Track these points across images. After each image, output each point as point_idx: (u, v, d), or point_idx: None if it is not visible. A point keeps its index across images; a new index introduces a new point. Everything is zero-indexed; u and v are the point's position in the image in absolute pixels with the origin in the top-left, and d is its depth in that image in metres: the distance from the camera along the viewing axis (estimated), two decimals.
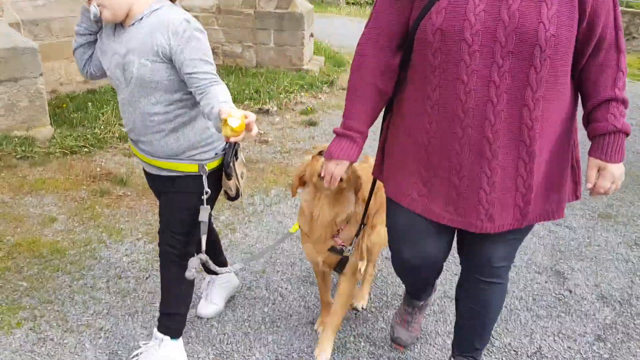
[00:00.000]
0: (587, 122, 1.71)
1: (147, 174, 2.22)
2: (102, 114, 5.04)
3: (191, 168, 2.02)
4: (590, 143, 1.71)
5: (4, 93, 4.33)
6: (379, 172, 1.99)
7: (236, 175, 2.12)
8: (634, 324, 2.66)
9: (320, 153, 2.02)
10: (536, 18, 1.48)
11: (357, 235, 2.17)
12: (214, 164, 2.08)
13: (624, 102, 1.63)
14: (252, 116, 1.70)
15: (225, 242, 3.20)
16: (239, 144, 2.09)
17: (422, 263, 1.93)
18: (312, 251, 2.24)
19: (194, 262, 1.93)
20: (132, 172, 4.08)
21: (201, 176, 2.03)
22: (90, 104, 5.24)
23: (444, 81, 1.61)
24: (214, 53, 7.49)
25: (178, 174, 2.05)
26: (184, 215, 2.08)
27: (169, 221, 2.12)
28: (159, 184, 2.14)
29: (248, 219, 3.53)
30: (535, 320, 2.65)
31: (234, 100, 5.48)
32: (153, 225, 3.33)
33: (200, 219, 2.03)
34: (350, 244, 2.15)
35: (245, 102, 6.01)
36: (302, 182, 2.16)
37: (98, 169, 4.12)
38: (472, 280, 1.97)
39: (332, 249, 2.17)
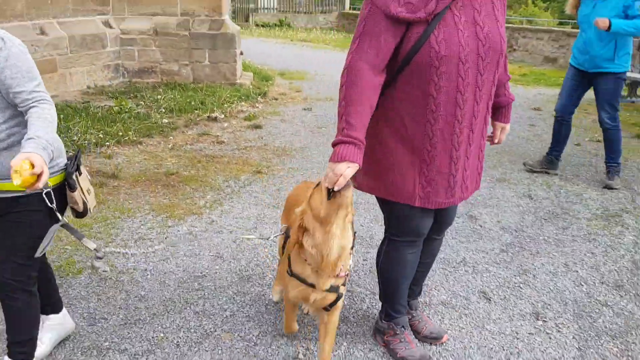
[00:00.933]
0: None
1: None
2: (74, 125, 5.62)
3: None
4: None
5: None
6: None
7: (81, 189, 2.12)
8: (524, 242, 3.77)
9: (317, 185, 2.06)
10: (498, 35, 2.04)
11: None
12: (57, 179, 2.06)
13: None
14: (42, 170, 1.72)
15: (217, 212, 4.01)
16: (80, 158, 2.17)
17: (419, 244, 2.39)
18: (305, 292, 2.17)
19: (96, 250, 2.11)
20: (120, 168, 4.75)
21: (47, 193, 1.98)
22: (64, 115, 5.81)
23: (445, 95, 2.01)
24: (153, 72, 8.32)
25: (20, 194, 1.95)
26: (29, 236, 2.02)
27: (12, 249, 2.03)
28: (3, 205, 2.02)
29: (229, 196, 4.35)
30: (459, 244, 3.69)
31: (184, 111, 6.25)
32: (153, 203, 4.07)
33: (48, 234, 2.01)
34: (346, 276, 2.20)
35: (196, 111, 6.77)
36: (303, 232, 2.08)
37: (87, 168, 4.74)
38: (430, 240, 2.47)
39: (331, 288, 2.15)
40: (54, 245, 3.34)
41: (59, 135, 5.10)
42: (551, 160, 5.21)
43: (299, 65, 11.87)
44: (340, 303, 2.23)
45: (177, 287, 3.01)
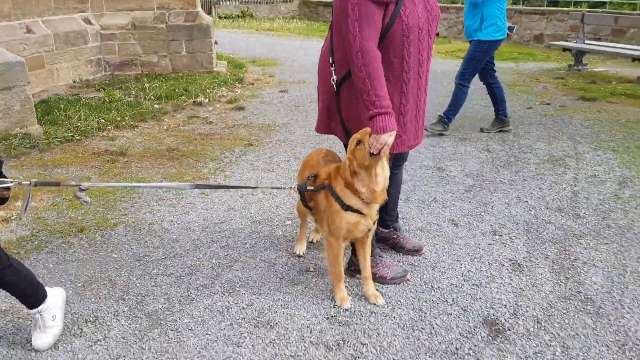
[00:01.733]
0: None
1: None
2: (74, 113, 6.12)
3: None
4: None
5: (1, 99, 5.32)
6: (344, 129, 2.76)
7: None
8: (484, 183, 4.48)
9: (357, 143, 2.48)
10: (437, 6, 2.66)
11: None
12: None
13: None
14: None
15: (221, 177, 4.61)
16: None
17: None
18: (357, 221, 2.63)
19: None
20: (127, 147, 5.30)
21: None
22: (62, 106, 6.29)
23: (413, 56, 2.57)
24: (133, 64, 8.80)
25: None
26: None
27: None
28: None
29: (228, 165, 4.94)
30: (430, 188, 4.38)
31: (171, 98, 6.77)
32: (164, 173, 4.64)
33: None
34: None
35: (182, 97, 7.32)
36: (353, 174, 2.55)
37: (96, 149, 5.28)
38: (392, 175, 3.05)
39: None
40: (88, 208, 3.90)
41: (67, 120, 5.55)
42: (502, 120, 5.95)
43: (268, 53, 12.42)
44: (375, 225, 2.77)
45: (202, 231, 3.61)
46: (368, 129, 2.48)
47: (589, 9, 16.52)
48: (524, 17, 14.95)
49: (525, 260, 3.24)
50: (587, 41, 10.67)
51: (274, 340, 2.50)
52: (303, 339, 2.50)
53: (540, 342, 2.49)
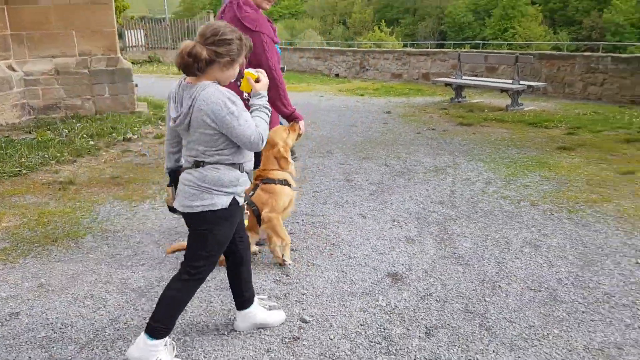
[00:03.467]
0: None
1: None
2: (14, 152, 6.63)
3: None
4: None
5: None
6: None
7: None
8: (384, 188, 5.57)
9: (290, 132, 3.66)
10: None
11: None
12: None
13: None
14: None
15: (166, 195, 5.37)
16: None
17: None
18: (291, 195, 3.73)
19: None
20: (74, 178, 5.91)
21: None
22: (3, 145, 6.77)
23: None
24: (57, 107, 9.40)
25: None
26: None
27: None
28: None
29: None
30: (342, 193, 5.40)
31: (101, 136, 7.48)
32: (114, 195, 5.34)
33: None
34: None
35: (112, 134, 7.96)
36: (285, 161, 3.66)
37: (44, 180, 5.85)
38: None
39: None
40: (55, 224, 4.54)
41: (6, 160, 6.07)
42: None
43: None
44: None
45: (160, 234, 4.39)
46: (282, 127, 3.71)
47: (466, 50, 18.71)
48: (412, 59, 16.82)
49: (416, 236, 4.31)
50: (464, 77, 12.46)
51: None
52: (258, 294, 3.37)
53: (427, 283, 3.53)
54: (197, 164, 2.49)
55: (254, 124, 2.44)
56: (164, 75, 18.23)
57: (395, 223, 4.60)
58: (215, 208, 2.49)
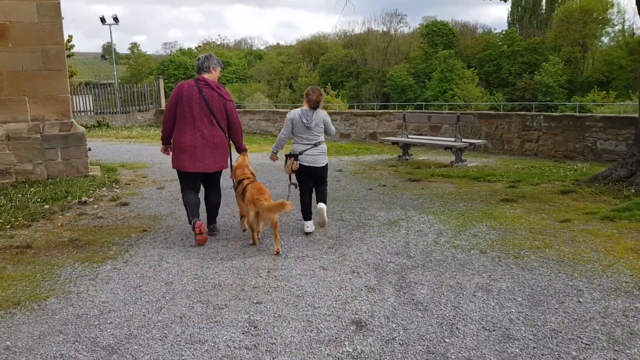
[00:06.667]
0: None
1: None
2: None
3: None
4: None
5: None
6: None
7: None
8: (342, 242, 5.79)
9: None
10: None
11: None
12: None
13: None
14: None
15: (127, 255, 5.41)
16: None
17: None
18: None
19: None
20: (31, 242, 5.86)
21: None
22: None
23: None
24: (7, 173, 9.28)
25: None
26: None
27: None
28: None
29: (131, 247, 5.74)
30: (302, 247, 5.58)
31: (56, 200, 7.47)
32: (74, 257, 5.33)
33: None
34: None
35: (66, 198, 7.92)
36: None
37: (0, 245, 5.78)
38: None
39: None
40: (15, 288, 4.50)
41: None
42: None
43: (134, 158, 13.25)
44: None
45: (125, 293, 4.42)
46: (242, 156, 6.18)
47: (410, 111, 19.59)
48: (359, 119, 17.49)
49: (376, 285, 4.52)
50: (410, 136, 13.08)
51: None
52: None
53: (389, 328, 3.72)
54: (317, 144, 6.10)
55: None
56: (113, 139, 18.21)
57: (355, 274, 4.80)
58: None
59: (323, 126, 6.08)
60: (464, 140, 11.48)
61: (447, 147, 11.49)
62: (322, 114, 6.09)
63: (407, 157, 12.43)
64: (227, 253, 5.48)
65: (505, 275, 4.70)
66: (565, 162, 11.53)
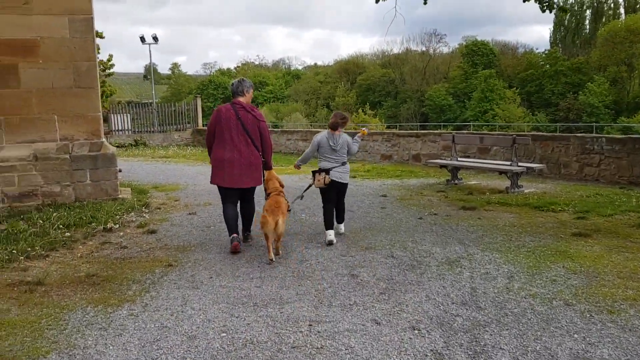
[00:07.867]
0: None
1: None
2: None
3: None
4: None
5: None
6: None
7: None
8: (396, 286, 4.95)
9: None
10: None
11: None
12: None
13: None
14: None
15: (148, 297, 4.70)
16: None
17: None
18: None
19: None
20: (43, 277, 5.22)
21: None
22: None
23: None
24: (34, 195, 8.76)
25: None
26: None
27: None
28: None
29: (152, 286, 5.03)
30: (349, 292, 4.77)
31: (79, 226, 6.75)
32: (87, 298, 4.65)
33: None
34: None
35: (91, 224, 7.32)
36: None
37: (9, 280, 5.15)
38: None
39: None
40: (13, 339, 3.82)
41: None
42: None
43: (168, 179, 12.70)
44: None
45: (139, 350, 3.68)
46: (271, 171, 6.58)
47: (457, 131, 18.65)
48: (402, 140, 16.66)
49: (444, 349, 3.66)
50: (459, 159, 12.15)
51: None
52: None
53: None
54: (344, 163, 6.59)
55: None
56: (149, 158, 17.81)
57: (416, 331, 3.96)
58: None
59: (347, 148, 6.62)
60: (520, 164, 10.50)
61: (501, 172, 10.53)
62: (345, 137, 6.66)
63: (456, 181, 11.50)
64: (261, 296, 4.71)
65: (604, 338, 3.78)
66: (633, 189, 10.41)
